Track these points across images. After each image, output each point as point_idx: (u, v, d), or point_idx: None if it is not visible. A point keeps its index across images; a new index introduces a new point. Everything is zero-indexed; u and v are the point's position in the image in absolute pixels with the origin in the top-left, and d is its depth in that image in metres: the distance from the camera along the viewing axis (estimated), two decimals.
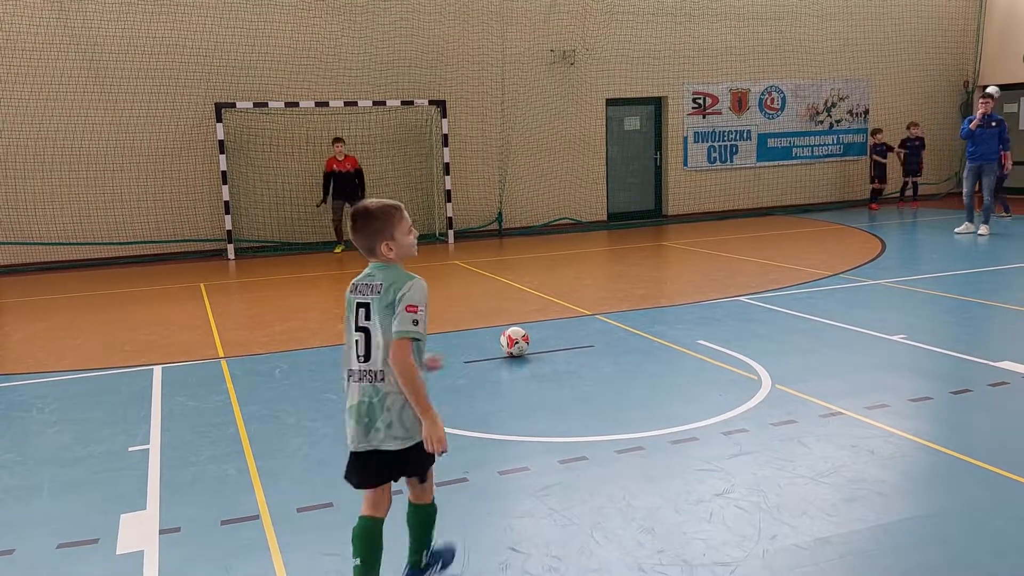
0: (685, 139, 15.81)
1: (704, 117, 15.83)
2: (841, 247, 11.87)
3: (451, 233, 13.91)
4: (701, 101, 15.76)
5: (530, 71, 14.69)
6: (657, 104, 15.76)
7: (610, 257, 12.49)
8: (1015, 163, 15.21)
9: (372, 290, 2.97)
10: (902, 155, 15.90)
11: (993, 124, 12.11)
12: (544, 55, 14.75)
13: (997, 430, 4.82)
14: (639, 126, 15.87)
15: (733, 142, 16.12)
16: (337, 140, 12.77)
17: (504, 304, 8.80)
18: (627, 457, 4.55)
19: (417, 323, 2.92)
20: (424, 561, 3.30)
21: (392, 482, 3.14)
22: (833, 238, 12.88)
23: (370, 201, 3.02)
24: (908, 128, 15.91)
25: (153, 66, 12.60)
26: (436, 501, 3.33)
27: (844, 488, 4.05)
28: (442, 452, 3.01)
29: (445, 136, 13.73)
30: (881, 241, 12.15)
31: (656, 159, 15.95)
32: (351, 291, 3.03)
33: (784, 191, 16.64)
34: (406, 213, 3.06)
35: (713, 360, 6.28)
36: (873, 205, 16.18)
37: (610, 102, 15.35)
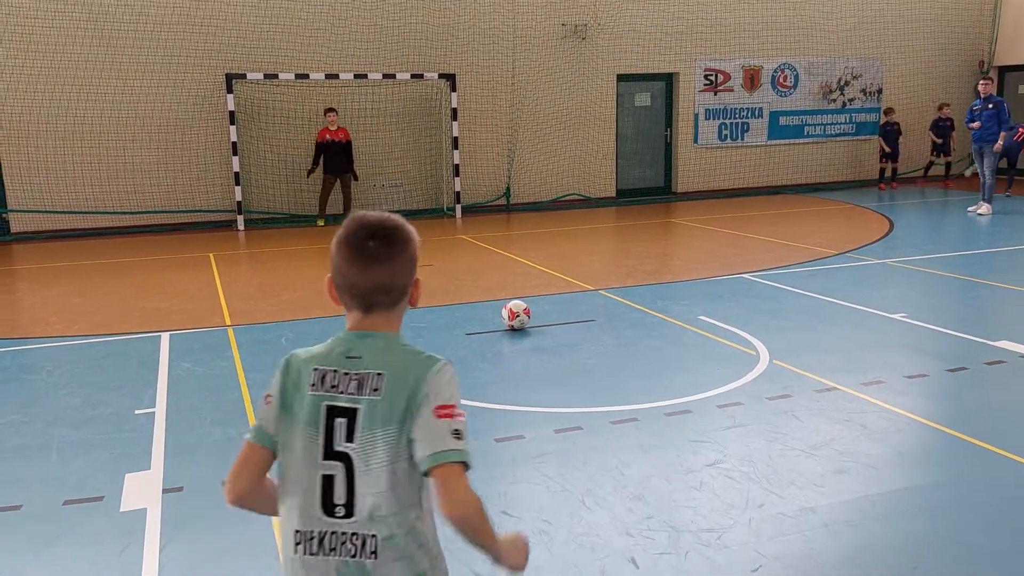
0: (696, 116, 15.72)
1: (715, 94, 15.73)
2: (849, 226, 11.84)
3: (459, 208, 13.95)
4: (713, 78, 15.65)
5: (541, 45, 14.61)
6: (668, 80, 15.67)
7: (617, 233, 12.50)
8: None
9: (362, 385, 1.70)
10: (932, 136, 15.87)
11: (991, 106, 12.17)
12: (555, 29, 14.66)
13: (990, 408, 4.86)
14: (650, 102, 15.78)
15: (744, 119, 16.02)
16: (330, 110, 12.84)
17: (509, 279, 8.86)
18: (622, 428, 4.63)
19: (460, 435, 1.67)
20: None
21: None
22: (842, 217, 12.84)
23: (396, 216, 1.82)
24: (939, 109, 15.82)
25: (164, 36, 12.62)
26: None
27: (834, 460, 4.11)
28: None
29: (454, 110, 13.71)
30: (889, 221, 12.11)
31: (666, 136, 15.88)
32: (312, 384, 1.72)
33: (795, 170, 16.54)
34: None
35: (713, 335, 6.33)
36: (882, 185, 16.10)
37: (621, 78, 15.26)
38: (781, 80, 16.08)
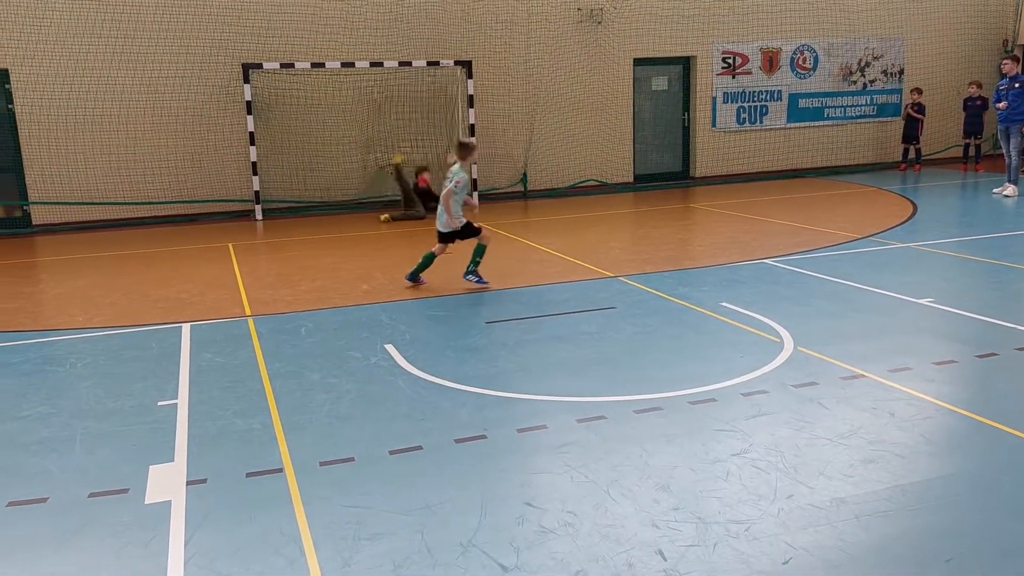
0: (714, 99, 15.55)
1: (734, 77, 15.53)
2: (872, 209, 11.67)
3: (475, 195, 13.85)
4: (731, 61, 15.45)
5: (557, 30, 14.48)
6: (685, 64, 15.49)
7: (635, 219, 12.41)
8: None
9: None
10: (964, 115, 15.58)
11: (1017, 85, 11.92)
12: (571, 14, 14.52)
13: (1021, 394, 4.76)
14: (667, 86, 15.62)
15: (763, 103, 15.82)
16: (423, 170, 13.03)
17: (526, 266, 8.81)
18: (645, 417, 4.58)
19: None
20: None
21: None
22: (864, 200, 12.66)
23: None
24: (970, 87, 15.53)
25: (181, 27, 12.62)
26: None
27: (863, 449, 4.05)
28: None
29: (471, 97, 13.64)
30: (913, 204, 11.93)
31: (684, 120, 15.72)
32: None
33: (815, 152, 16.34)
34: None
35: (735, 322, 6.26)
36: (902, 166, 15.87)
37: (637, 62, 15.11)
38: (800, 62, 15.86)
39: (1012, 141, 12.11)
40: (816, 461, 3.96)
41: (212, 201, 13.20)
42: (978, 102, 15.48)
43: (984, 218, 10.86)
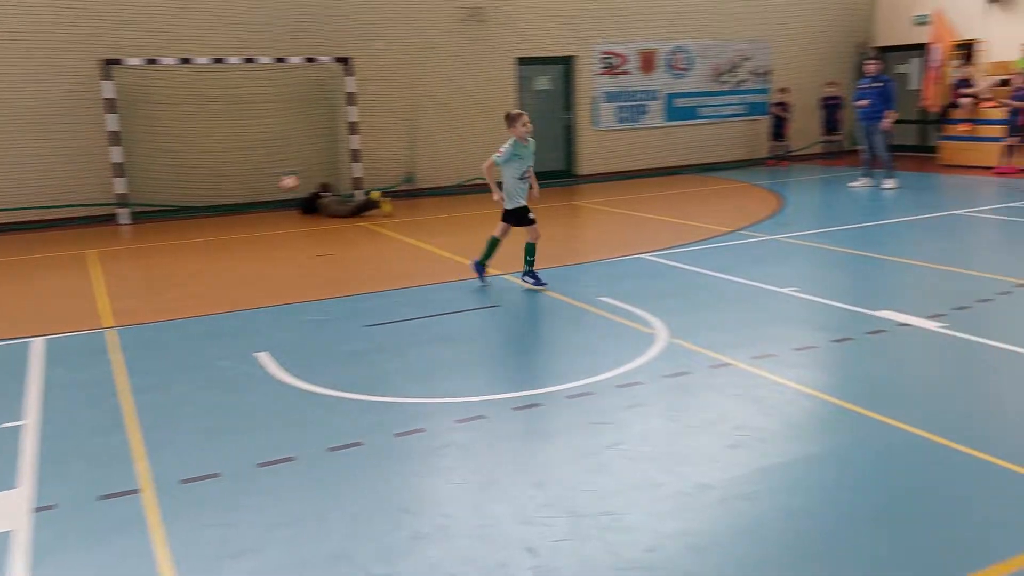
0: (595, 99, 15.86)
1: (613, 77, 15.89)
2: (743, 204, 12.18)
3: (359, 193, 13.63)
4: (610, 61, 15.80)
5: (439, 28, 14.40)
6: (567, 64, 15.73)
7: None
8: (906, 121, 15.90)
9: None
10: (822, 114, 16.48)
11: (878, 84, 12.61)
12: (453, 12, 14.47)
13: (870, 376, 5.07)
14: (550, 86, 15.82)
15: (642, 102, 16.26)
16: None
17: (410, 266, 8.70)
18: (524, 414, 4.59)
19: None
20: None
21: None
22: (737, 195, 13.21)
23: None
24: (827, 87, 16.42)
25: (34, 19, 11.77)
26: None
27: (728, 435, 4.19)
28: None
29: (351, 94, 13.37)
30: (781, 198, 12.54)
31: (567, 119, 15.96)
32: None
33: (691, 150, 16.93)
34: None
35: (614, 316, 6.38)
36: (770, 162, 16.70)
37: (521, 61, 15.22)
38: (676, 63, 16.39)
39: (878, 138, 12.78)
40: (685, 448, 4.07)
41: (70, 206, 12.37)
42: (834, 101, 16.45)
43: (843, 211, 11.54)
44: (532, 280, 7.35)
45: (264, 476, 3.95)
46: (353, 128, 13.43)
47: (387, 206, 12.46)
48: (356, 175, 13.61)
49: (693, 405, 4.62)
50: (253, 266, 9.04)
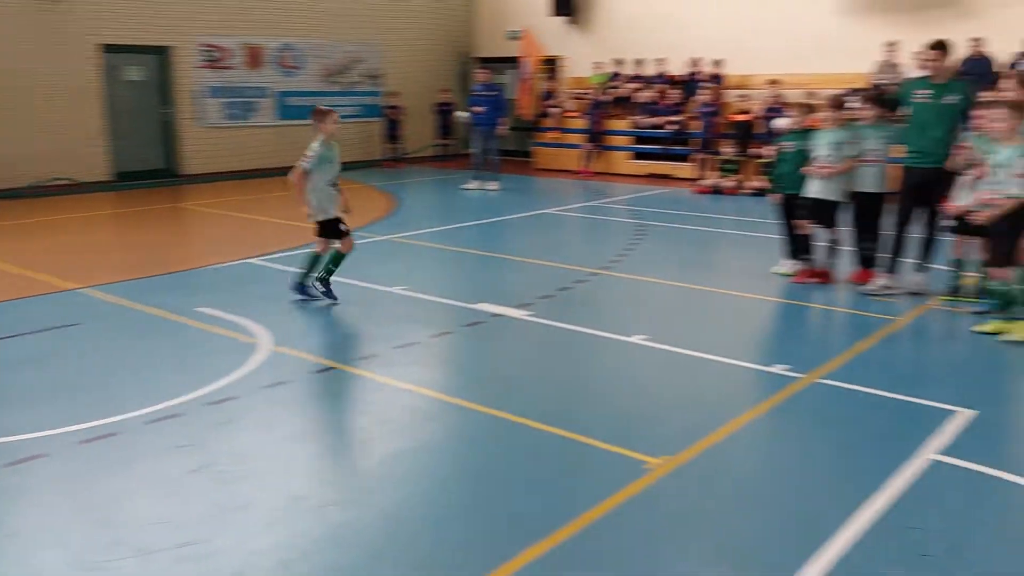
0: (199, 94, 14.82)
1: (216, 71, 15.00)
2: (359, 205, 12.27)
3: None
4: (212, 54, 14.89)
5: (5, 9, 12.25)
6: (163, 54, 14.46)
7: (113, 221, 11.19)
8: (511, 128, 17.48)
9: None
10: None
11: (492, 93, 13.70)
12: None
13: (465, 366, 5.40)
14: (145, 77, 14.40)
15: (252, 99, 15.61)
16: None
17: None
18: (93, 447, 4.04)
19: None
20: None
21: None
22: (352, 196, 13.25)
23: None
24: (440, 93, 17.21)
25: None
26: None
27: (324, 442, 4.13)
28: None
29: None
30: (396, 198, 12.93)
31: (167, 113, 14.68)
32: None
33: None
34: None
35: (212, 327, 5.96)
36: (386, 163, 17.24)
37: (108, 48, 13.61)
38: (285, 60, 16.02)
39: (489, 143, 13.76)
40: (278, 463, 3.91)
41: None
42: (447, 107, 17.50)
43: (453, 211, 12.28)
44: (323, 290, 6.59)
45: None
46: None
47: None
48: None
49: (291, 416, 4.47)
50: None
